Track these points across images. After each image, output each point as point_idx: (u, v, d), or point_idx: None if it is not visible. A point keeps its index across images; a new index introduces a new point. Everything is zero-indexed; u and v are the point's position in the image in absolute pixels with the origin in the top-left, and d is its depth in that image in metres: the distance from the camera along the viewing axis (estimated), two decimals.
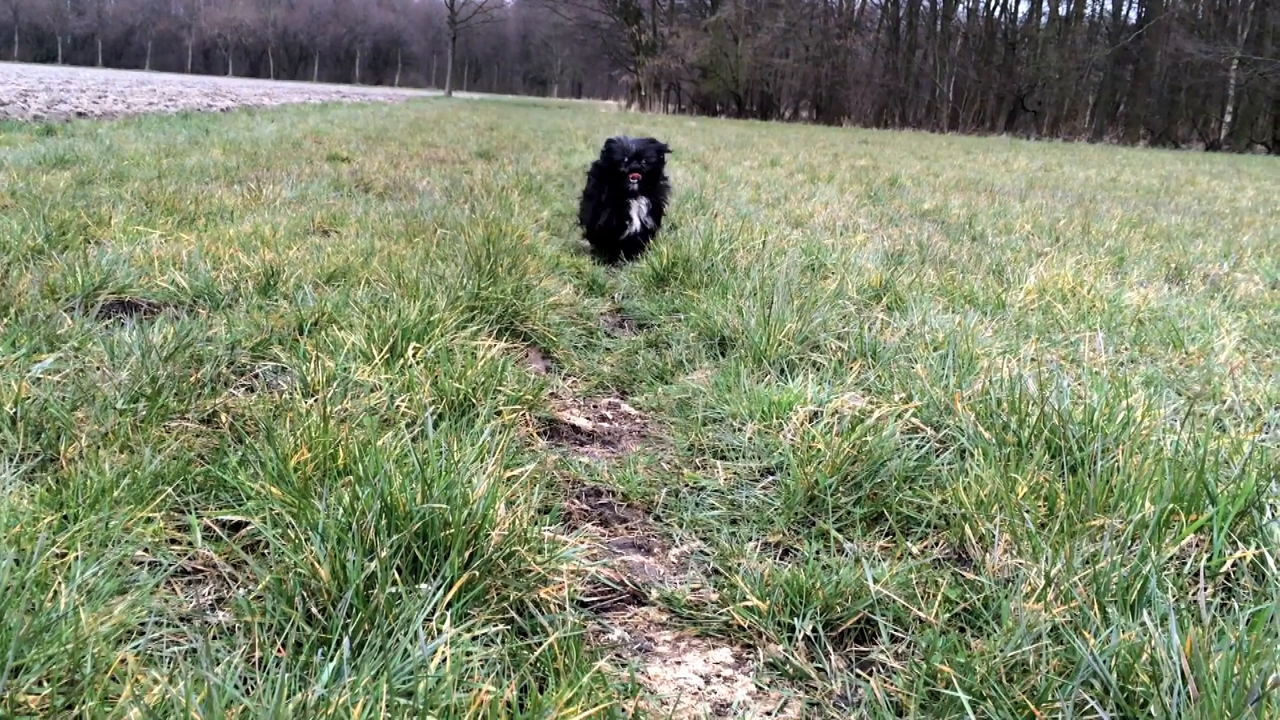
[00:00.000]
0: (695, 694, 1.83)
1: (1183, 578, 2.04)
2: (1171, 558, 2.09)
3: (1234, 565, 2.11)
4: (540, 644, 1.77)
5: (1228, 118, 50.61)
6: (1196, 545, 2.19)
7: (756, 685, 1.87)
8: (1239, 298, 5.31)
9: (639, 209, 6.05)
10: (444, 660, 1.56)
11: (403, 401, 2.92)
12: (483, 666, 1.69)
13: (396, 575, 1.82)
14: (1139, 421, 2.71)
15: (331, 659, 1.57)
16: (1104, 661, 1.66)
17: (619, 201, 6.02)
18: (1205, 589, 1.86)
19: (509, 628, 1.86)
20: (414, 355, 3.26)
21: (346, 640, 1.60)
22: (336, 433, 2.43)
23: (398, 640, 1.64)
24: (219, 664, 1.60)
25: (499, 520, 2.00)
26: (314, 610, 1.78)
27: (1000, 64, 55.45)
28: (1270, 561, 2.05)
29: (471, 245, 4.85)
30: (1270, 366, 3.71)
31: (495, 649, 1.77)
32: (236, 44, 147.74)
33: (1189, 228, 8.78)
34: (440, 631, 1.65)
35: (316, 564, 1.83)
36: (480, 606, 1.89)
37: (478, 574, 1.88)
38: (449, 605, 1.80)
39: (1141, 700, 1.58)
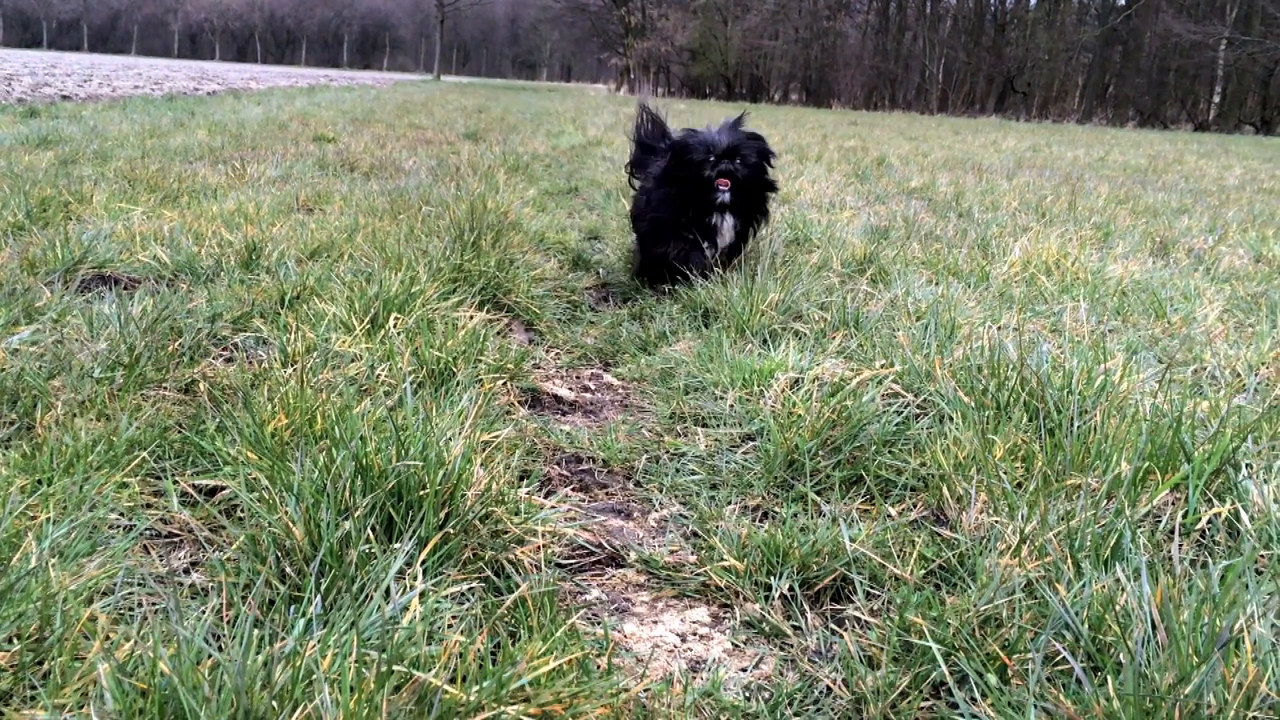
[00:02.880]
0: (671, 651, 1.84)
1: (1158, 534, 2.05)
2: (1147, 514, 2.10)
3: (1209, 522, 2.12)
4: (516, 601, 1.77)
5: (1216, 98, 50.66)
6: (1173, 503, 2.19)
7: (732, 643, 1.87)
8: (1223, 270, 5.32)
9: (726, 229, 4.39)
10: (416, 615, 1.56)
11: (383, 370, 2.92)
12: (457, 622, 1.69)
13: (370, 534, 1.82)
14: (1117, 384, 2.72)
15: (304, 615, 1.57)
16: (1075, 613, 1.67)
17: (701, 220, 4.35)
18: (1179, 543, 1.87)
19: (484, 585, 1.86)
20: (395, 326, 3.25)
21: (319, 597, 1.60)
22: (314, 399, 2.43)
23: (370, 597, 1.63)
24: (191, 621, 1.60)
25: (475, 480, 2.00)
26: (288, 569, 1.78)
27: (990, 45, 55.38)
28: (1244, 517, 2.05)
29: (455, 220, 4.83)
30: (1252, 335, 3.72)
31: (470, 606, 1.77)
32: (223, 28, 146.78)
33: (1175, 204, 8.79)
34: (412, 588, 1.65)
35: (291, 524, 1.83)
36: (456, 565, 1.89)
37: (453, 533, 1.88)
38: (423, 563, 1.80)
39: (1111, 650, 1.59)
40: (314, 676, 1.33)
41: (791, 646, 1.84)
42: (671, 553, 2.19)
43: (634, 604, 2.02)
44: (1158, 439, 2.29)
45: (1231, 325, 3.94)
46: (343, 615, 1.55)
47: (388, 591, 1.65)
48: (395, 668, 1.37)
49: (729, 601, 2.00)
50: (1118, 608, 1.68)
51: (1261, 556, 1.97)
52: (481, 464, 2.10)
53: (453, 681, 1.41)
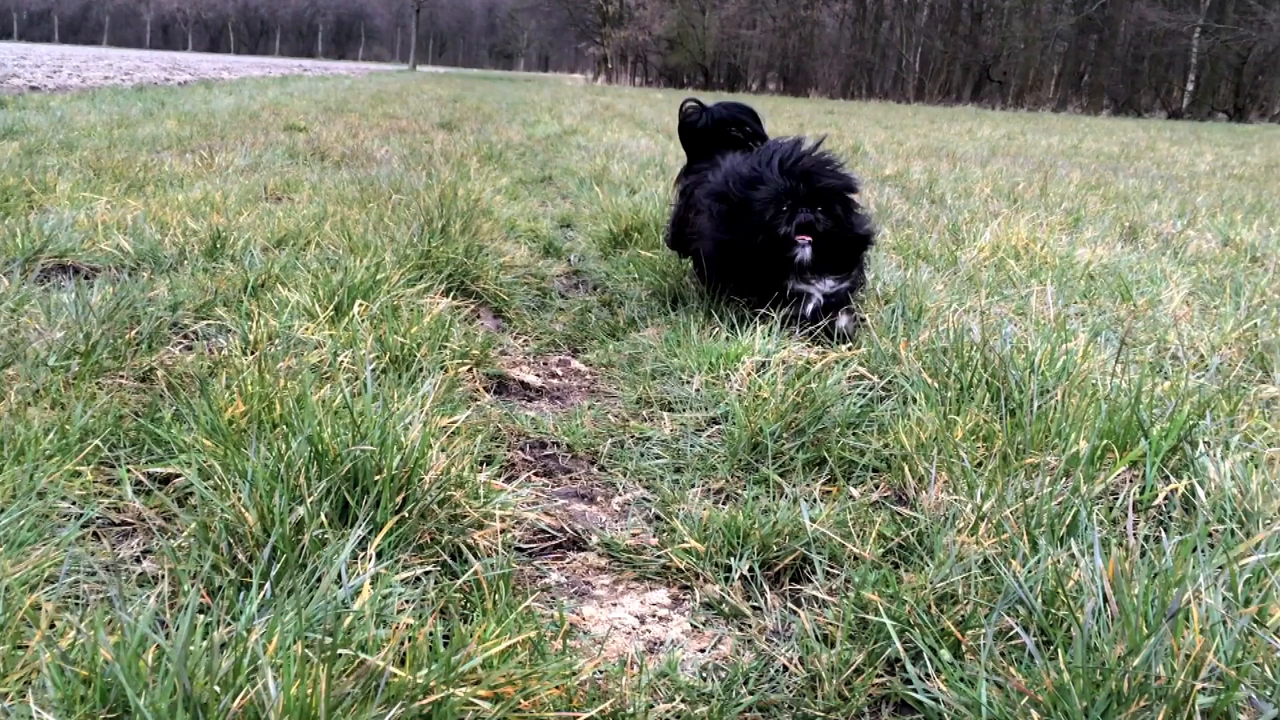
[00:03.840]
0: (629, 633, 1.83)
1: (1115, 511, 2.06)
2: (1104, 491, 2.10)
3: (1166, 499, 2.13)
4: (471, 585, 1.76)
5: (1190, 86, 51.01)
6: (1130, 480, 2.20)
7: (691, 624, 1.87)
8: (1190, 254, 5.35)
9: (813, 298, 3.39)
10: (368, 599, 1.55)
11: (346, 357, 2.89)
12: (410, 606, 1.67)
13: (325, 519, 1.80)
14: (1079, 365, 2.72)
15: (253, 601, 1.55)
16: (1030, 588, 1.67)
17: (774, 289, 3.46)
18: (1133, 519, 1.87)
19: (440, 569, 1.84)
20: (360, 312, 3.23)
21: (269, 583, 1.59)
22: (273, 385, 2.40)
23: (321, 581, 1.62)
24: (136, 608, 1.58)
25: (433, 465, 1.98)
26: (240, 556, 1.76)
27: (966, 34, 55.53)
28: (1200, 493, 2.06)
29: (425, 207, 4.80)
30: (1216, 316, 3.75)
31: (425, 590, 1.75)
32: (196, 19, 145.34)
33: (1146, 190, 8.84)
34: (364, 572, 1.63)
35: (244, 510, 1.80)
36: (412, 549, 1.88)
37: (409, 517, 1.86)
38: (379, 547, 1.78)
39: (1064, 624, 1.59)
40: (259, 662, 1.31)
41: (750, 627, 1.84)
42: (633, 536, 2.18)
43: (594, 587, 2.01)
44: (1116, 417, 2.29)
45: (1197, 307, 3.96)
46: (291, 600, 1.53)
47: (340, 576, 1.63)
48: (342, 651, 1.36)
49: (689, 583, 2.00)
50: (1071, 583, 1.68)
51: (1215, 531, 1.98)
52: (441, 449, 2.08)
53: (402, 664, 1.40)
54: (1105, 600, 1.56)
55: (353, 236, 4.25)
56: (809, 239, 3.32)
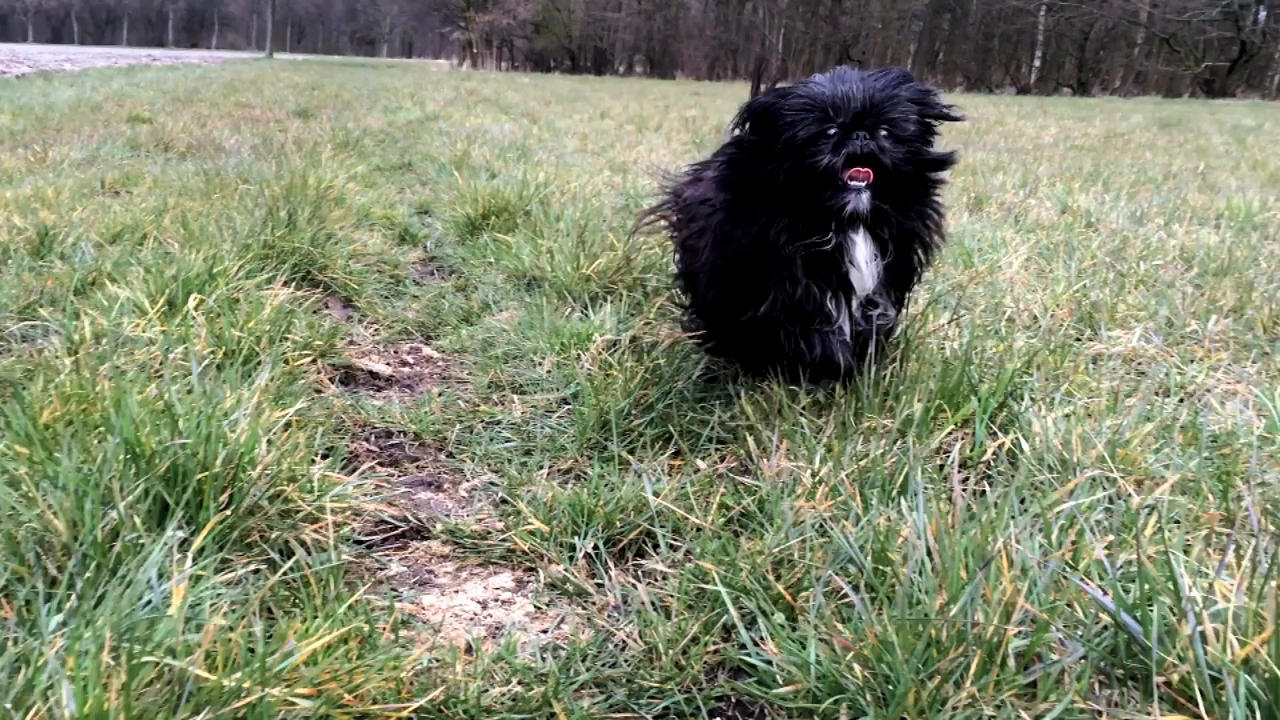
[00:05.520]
0: (471, 619, 1.80)
1: (947, 468, 2.12)
2: (937, 450, 2.17)
3: (994, 454, 2.21)
4: (299, 581, 1.70)
5: (1037, 62, 53.22)
6: (963, 437, 2.27)
7: (535, 605, 1.85)
8: (1030, 221, 5.57)
9: (864, 260, 2.34)
10: (179, 602, 1.47)
11: (178, 353, 2.76)
12: (231, 607, 1.60)
13: (138, 523, 1.71)
14: (917, 330, 2.80)
15: (58, 612, 1.46)
16: (860, 547, 1.71)
17: (813, 247, 2.32)
18: (962, 475, 1.93)
19: (269, 568, 1.78)
20: (195, 306, 3.09)
21: (75, 592, 1.50)
22: (92, 387, 2.27)
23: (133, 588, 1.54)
24: None
25: (260, 460, 1.91)
26: (50, 566, 1.66)
27: (826, 15, 56.67)
28: (1025, 447, 2.15)
29: (271, 197, 4.63)
30: (1050, 279, 3.91)
31: (246, 590, 1.68)
32: (36, 8, 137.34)
33: (993, 162, 9.18)
34: (180, 574, 1.56)
35: (53, 517, 1.70)
36: (240, 548, 1.80)
37: (232, 515, 1.79)
38: (201, 548, 1.70)
39: (890, 580, 1.63)
40: (55, 676, 1.24)
41: (594, 604, 1.83)
42: (479, 521, 2.15)
43: (437, 575, 1.97)
44: (949, 378, 2.36)
45: (1033, 271, 4.13)
46: (97, 609, 1.45)
47: (152, 580, 1.55)
48: (148, 659, 1.29)
49: (534, 565, 1.98)
50: (901, 540, 1.72)
51: (1039, 482, 2.06)
52: (271, 443, 2.01)
53: (215, 668, 1.34)
54: (929, 554, 1.60)
55: (191, 229, 4.07)
56: (869, 175, 2.25)
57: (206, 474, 1.81)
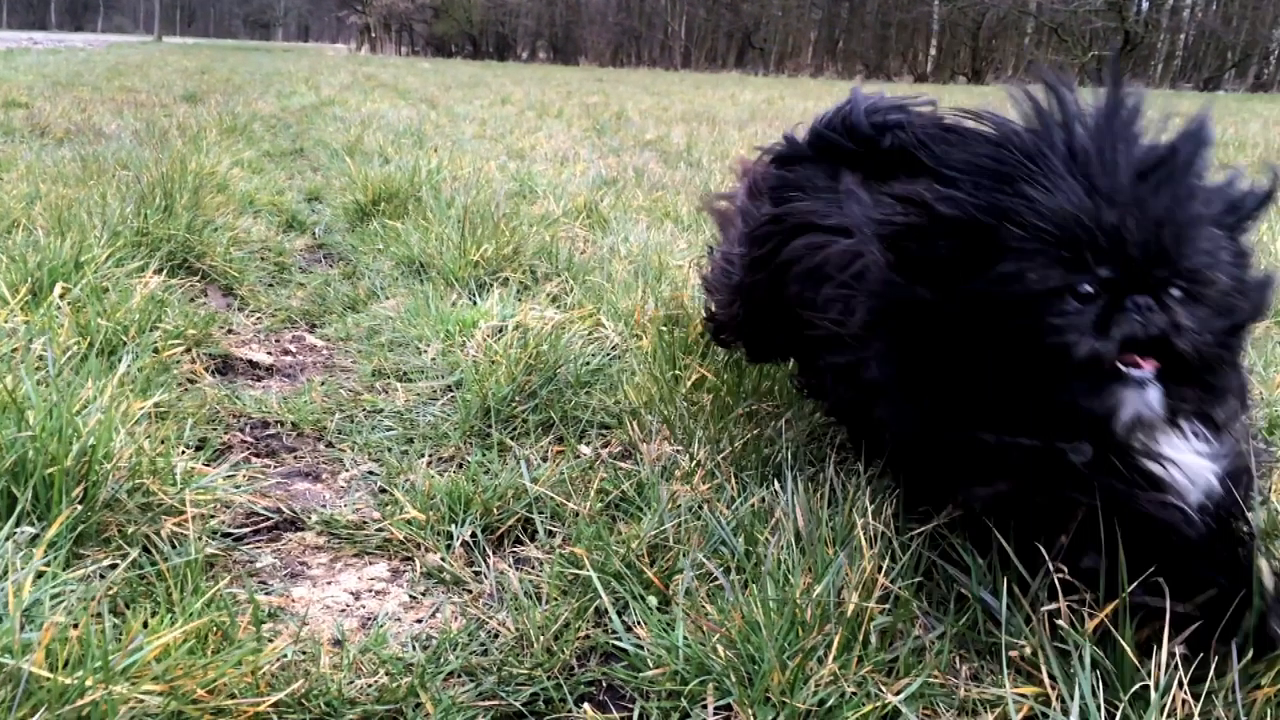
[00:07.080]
0: (342, 610, 1.76)
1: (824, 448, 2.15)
2: (811, 433, 2.20)
3: None
4: (154, 575, 1.64)
5: (933, 51, 54.49)
6: None
7: (410, 595, 1.82)
8: None
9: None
10: (14, 599, 1.41)
11: (39, 345, 2.64)
12: (80, 604, 1.54)
13: None
14: None
15: None
16: (732, 529, 1.72)
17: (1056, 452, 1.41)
18: (832, 456, 1.96)
19: (124, 563, 1.71)
20: (60, 295, 2.96)
21: None
22: None
23: None
24: None
25: (117, 453, 1.84)
26: None
27: (728, 3, 57.07)
28: None
29: (149, 182, 4.46)
30: None
31: (92, 586, 1.62)
32: None
33: None
34: (17, 571, 1.49)
35: None
36: (96, 543, 1.73)
37: (86, 509, 1.72)
38: (52, 543, 1.63)
39: (759, 557, 1.65)
40: None
41: (470, 593, 1.81)
42: (355, 511, 2.10)
43: (310, 566, 1.92)
44: None
45: None
46: None
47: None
48: None
49: (411, 554, 1.95)
50: (773, 521, 1.74)
51: None
52: (130, 435, 1.93)
53: (56, 667, 1.28)
54: (797, 535, 1.62)
55: (62, 216, 3.90)
56: (1152, 366, 1.39)
57: (57, 468, 1.73)
